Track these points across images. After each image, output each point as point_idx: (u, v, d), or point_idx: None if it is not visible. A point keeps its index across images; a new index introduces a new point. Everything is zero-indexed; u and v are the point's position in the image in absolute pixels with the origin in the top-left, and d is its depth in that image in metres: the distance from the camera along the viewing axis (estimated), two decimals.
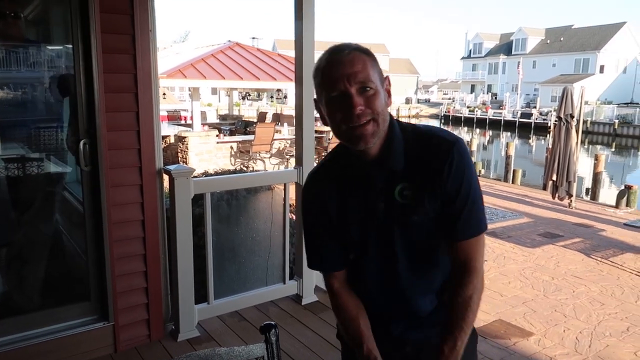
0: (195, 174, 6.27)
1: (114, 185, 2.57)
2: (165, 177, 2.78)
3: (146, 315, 2.76)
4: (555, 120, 8.54)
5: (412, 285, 1.39)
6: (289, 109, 19.41)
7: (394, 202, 1.31)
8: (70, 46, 2.54)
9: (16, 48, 3.78)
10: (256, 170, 9.19)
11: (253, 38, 15.74)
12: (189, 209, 2.77)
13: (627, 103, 40.43)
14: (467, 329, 1.32)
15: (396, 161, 1.30)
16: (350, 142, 1.27)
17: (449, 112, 46.28)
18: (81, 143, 2.52)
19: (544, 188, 8.87)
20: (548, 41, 50.83)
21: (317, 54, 3.65)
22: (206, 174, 4.07)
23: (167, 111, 16.78)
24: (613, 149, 29.45)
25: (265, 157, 10.90)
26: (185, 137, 10.41)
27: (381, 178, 1.32)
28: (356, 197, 1.34)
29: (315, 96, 1.33)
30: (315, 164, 3.23)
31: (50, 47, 3.45)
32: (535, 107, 39.87)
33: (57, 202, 3.46)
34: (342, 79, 1.21)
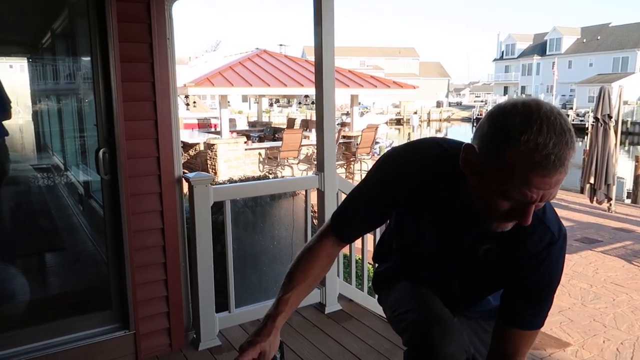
0: (221, 180, 6.29)
1: (133, 194, 2.57)
2: (185, 185, 2.77)
3: (167, 324, 2.74)
4: (593, 122, 8.23)
5: (460, 304, 1.46)
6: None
7: (473, 253, 1.27)
8: (90, 55, 2.56)
9: (43, 60, 3.89)
10: (283, 176, 9.20)
11: (280, 45, 15.84)
12: (209, 217, 2.75)
13: None
14: None
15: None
16: (486, 223, 1.13)
17: (481, 114, 45.42)
18: (101, 152, 2.53)
19: (582, 191, 8.57)
20: (584, 40, 49.39)
21: (337, 60, 3.57)
22: (230, 181, 4.06)
23: (198, 119, 17.05)
24: None
25: (293, 163, 10.90)
26: (214, 144, 10.52)
27: (473, 228, 1.22)
28: (437, 219, 1.27)
29: (475, 142, 1.10)
30: (335, 169, 3.18)
31: (78, 58, 3.52)
32: (571, 108, 38.69)
33: (80, 211, 3.52)
34: (537, 193, 0.99)
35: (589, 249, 6.13)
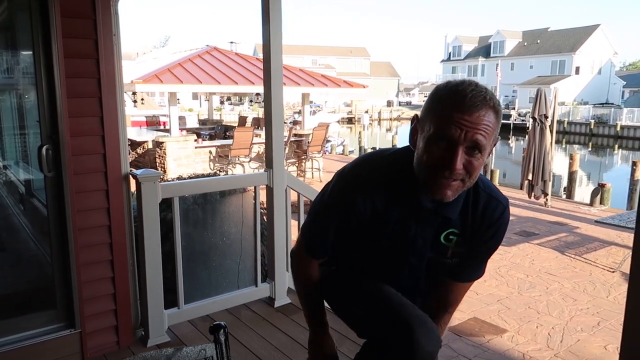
0: (170, 178, 6.21)
1: (78, 191, 2.54)
2: (133, 182, 2.76)
3: (114, 322, 2.72)
4: (531, 121, 8.69)
5: (421, 292, 1.53)
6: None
7: (437, 242, 1.37)
8: (32, 51, 2.51)
9: None
10: (234, 174, 9.15)
11: (231, 42, 15.65)
12: (157, 214, 2.75)
13: (603, 103, 41.29)
14: None
15: (453, 211, 1.32)
16: (428, 188, 1.22)
17: None
18: (44, 149, 2.48)
19: (521, 187, 9.01)
20: (525, 44, 51.66)
21: (289, 58, 3.66)
22: (180, 178, 4.04)
23: (146, 117, 16.61)
24: (590, 149, 30.02)
25: (244, 161, 10.86)
26: (163, 142, 10.33)
27: (433, 219, 1.34)
28: (400, 221, 1.35)
29: (421, 113, 1.23)
30: (284, 165, 3.25)
31: (17, 52, 3.40)
32: (514, 109, 40.42)
33: (21, 211, 3.41)
34: (460, 129, 1.11)
35: (527, 242, 6.49)
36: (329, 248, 1.46)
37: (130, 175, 2.73)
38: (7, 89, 3.77)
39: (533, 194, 8.63)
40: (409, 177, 1.25)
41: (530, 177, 8.55)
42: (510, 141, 33.22)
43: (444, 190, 1.19)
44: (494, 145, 1.23)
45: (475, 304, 4.31)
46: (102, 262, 2.65)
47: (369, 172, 1.34)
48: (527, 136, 9.74)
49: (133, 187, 2.79)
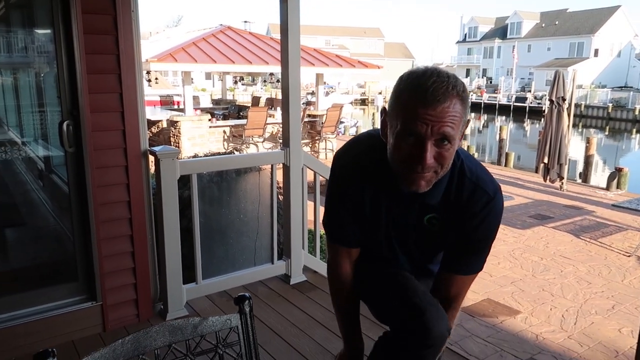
0: (185, 156, 6.25)
1: (98, 167, 2.57)
2: (152, 159, 2.78)
3: (134, 295, 2.78)
4: (548, 104, 8.56)
5: (415, 273, 1.53)
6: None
7: (420, 225, 1.37)
8: (52, 27, 2.51)
9: (3, 32, 3.75)
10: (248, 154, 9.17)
11: (245, 22, 15.56)
12: (175, 190, 2.78)
13: (621, 87, 40.45)
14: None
15: (433, 197, 1.31)
16: (403, 181, 1.23)
17: None
18: (65, 124, 2.51)
19: (536, 171, 8.93)
20: (543, 25, 50.60)
21: (303, 38, 3.60)
22: (196, 156, 4.07)
23: (160, 96, 16.66)
24: (607, 133, 29.53)
25: (258, 141, 10.88)
26: (178, 121, 10.37)
27: (414, 203, 1.35)
28: (387, 204, 1.38)
29: (387, 105, 1.25)
30: (301, 145, 3.25)
31: (36, 30, 3.42)
32: (530, 91, 39.83)
33: (40, 187, 3.46)
34: (426, 124, 1.11)
35: (541, 225, 6.45)
36: (350, 234, 1.47)
37: (149, 152, 2.75)
38: (24, 66, 3.79)
39: (549, 177, 8.54)
40: (387, 167, 1.28)
41: (546, 161, 8.46)
42: (525, 124, 32.82)
43: (418, 182, 1.20)
44: (465, 130, 1.21)
45: (489, 285, 4.32)
46: (122, 237, 2.69)
47: (353, 162, 1.40)
48: (543, 119, 9.61)
49: (152, 164, 2.82)
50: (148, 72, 14.15)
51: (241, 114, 12.53)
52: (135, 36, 2.62)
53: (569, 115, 8.41)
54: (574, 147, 14.79)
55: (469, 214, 1.32)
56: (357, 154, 1.40)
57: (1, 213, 3.27)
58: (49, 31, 2.74)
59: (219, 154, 4.41)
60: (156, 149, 2.73)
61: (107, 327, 2.69)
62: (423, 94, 1.10)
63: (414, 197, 1.31)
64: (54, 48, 2.53)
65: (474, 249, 1.39)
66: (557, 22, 49.04)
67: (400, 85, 1.17)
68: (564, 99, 8.24)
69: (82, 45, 2.43)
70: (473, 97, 42.31)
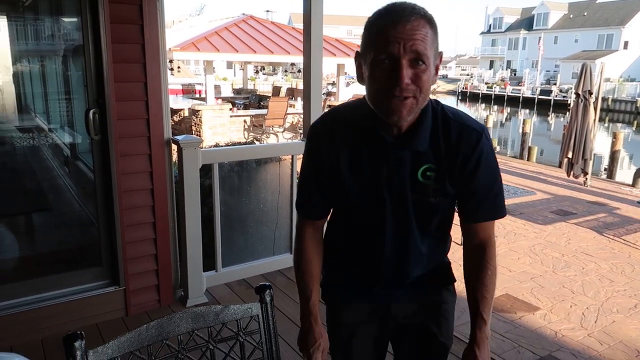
0: (207, 145, 6.31)
1: (123, 155, 2.62)
2: (174, 148, 2.82)
3: (156, 281, 2.84)
4: (574, 98, 8.39)
5: (418, 254, 1.40)
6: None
7: (414, 181, 1.29)
8: (79, 17, 2.56)
9: (24, 20, 3.82)
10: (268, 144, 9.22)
11: (267, 11, 15.56)
12: (197, 179, 2.82)
13: None
14: (494, 291, 1.39)
15: (421, 142, 1.26)
16: (383, 113, 1.19)
17: (466, 88, 45.56)
18: (91, 112, 2.56)
19: (560, 166, 8.76)
20: (571, 16, 49.38)
21: (325, 28, 3.57)
22: (217, 145, 4.10)
23: (182, 85, 16.83)
24: (634, 128, 28.80)
25: (278, 131, 10.91)
26: (199, 110, 10.46)
27: (402, 155, 1.27)
28: (371, 166, 1.29)
29: (359, 49, 1.23)
30: None
31: (63, 18, 3.48)
32: (555, 84, 39.02)
33: (66, 173, 3.54)
34: (398, 43, 1.11)
35: (563, 221, 6.35)
36: (316, 205, 1.40)
37: (172, 141, 2.79)
38: (51, 54, 3.87)
39: (572, 172, 8.38)
40: (370, 117, 1.24)
41: (570, 155, 8.29)
42: (549, 118, 32.22)
43: (399, 109, 1.15)
44: (439, 60, 1.20)
45: (508, 280, 4.28)
46: (144, 224, 2.74)
47: (331, 121, 1.34)
48: (568, 113, 9.41)
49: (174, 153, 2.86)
50: (170, 61, 14.27)
51: (262, 103, 12.58)
52: (160, 26, 2.65)
53: (595, 109, 8.21)
54: (600, 142, 14.49)
55: (463, 155, 1.27)
56: (331, 114, 1.36)
57: (29, 198, 3.36)
58: (75, 20, 2.79)
59: (239, 143, 4.44)
60: (179, 137, 2.77)
61: (129, 312, 2.75)
62: (391, 16, 1.13)
63: (400, 147, 1.25)
64: (81, 37, 2.57)
65: (488, 192, 1.33)
66: (585, 13, 47.81)
67: (369, 20, 1.19)
68: (590, 93, 8.05)
69: (109, 35, 2.47)
70: (496, 90, 41.68)
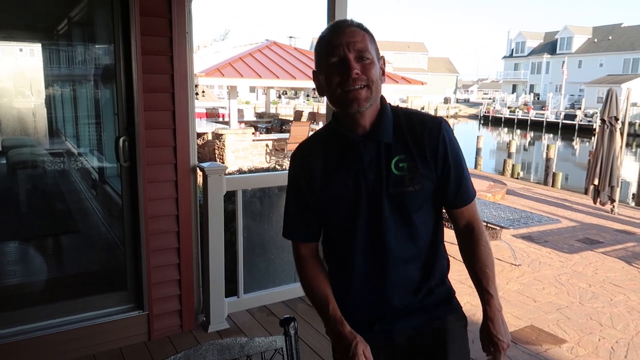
0: (230, 170, 6.41)
1: (150, 181, 2.68)
2: (199, 174, 2.88)
3: (179, 306, 2.86)
4: (599, 123, 8.27)
5: (399, 250, 1.42)
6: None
7: (390, 174, 1.38)
8: (112, 46, 2.66)
9: (58, 47, 3.99)
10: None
11: (290, 37, 15.88)
12: (221, 205, 2.86)
13: None
14: (493, 265, 1.47)
15: (386, 134, 1.38)
16: (344, 106, 1.34)
17: (488, 112, 45.28)
18: (121, 140, 2.64)
19: (586, 192, 8.60)
20: (595, 40, 48.99)
21: None
22: (240, 171, 4.16)
23: (206, 109, 17.14)
24: None
25: None
26: (222, 134, 10.63)
27: (372, 151, 1.39)
28: (345, 169, 1.40)
29: (314, 66, 1.41)
30: None
31: (95, 47, 3.62)
32: (579, 109, 38.53)
33: (94, 196, 3.63)
34: (342, 45, 1.31)
35: (590, 250, 6.20)
36: (302, 225, 1.47)
37: (198, 168, 2.85)
38: (83, 80, 4.01)
39: (599, 199, 8.21)
40: (335, 127, 1.41)
41: (596, 182, 8.14)
42: (574, 142, 31.71)
43: (357, 98, 1.30)
44: (383, 63, 1.39)
45: (533, 311, 4.18)
46: (169, 249, 2.78)
47: (303, 146, 1.49)
48: (594, 138, 9.28)
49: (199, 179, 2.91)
50: (196, 86, 14.61)
51: (284, 127, 12.72)
52: (188, 56, 2.74)
53: (622, 135, 8.08)
54: (627, 168, 14.18)
55: (431, 143, 1.38)
56: (303, 141, 1.51)
57: (58, 220, 3.46)
58: (107, 48, 2.90)
59: (262, 169, 4.50)
60: (204, 165, 2.83)
61: (152, 336, 2.78)
62: (332, 29, 1.35)
63: (369, 142, 1.37)
64: (114, 67, 2.67)
65: (458, 177, 1.43)
66: (610, 37, 47.39)
67: (317, 42, 1.39)
68: (616, 119, 7.94)
69: (140, 65, 2.56)
70: (519, 114, 41.32)
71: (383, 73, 1.38)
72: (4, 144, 3.65)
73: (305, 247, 1.49)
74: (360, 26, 1.37)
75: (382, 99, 1.42)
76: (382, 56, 1.40)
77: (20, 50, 3.88)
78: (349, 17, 1.49)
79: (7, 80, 3.75)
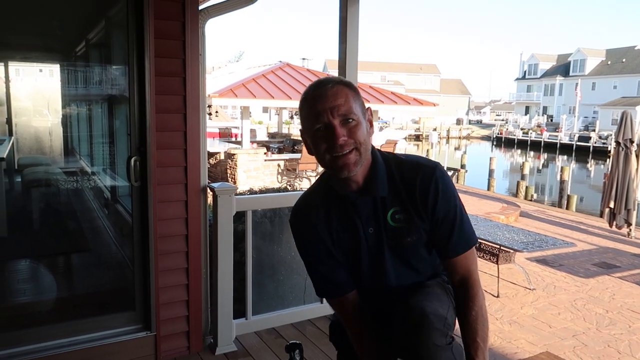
0: (241, 190, 6.45)
1: (160, 201, 2.69)
2: (209, 194, 2.88)
3: (186, 328, 2.84)
4: (614, 146, 8.19)
5: (399, 288, 1.47)
6: None
7: (387, 227, 1.40)
8: (127, 67, 2.70)
9: (81, 68, 4.08)
10: (301, 189, 9.29)
11: (303, 59, 16.07)
12: (231, 226, 2.85)
13: None
14: (487, 336, 1.42)
15: (380, 188, 1.38)
16: (335, 171, 1.34)
17: (501, 133, 45.11)
18: (132, 160, 2.66)
19: (601, 215, 8.48)
20: (609, 62, 48.84)
21: (361, 74, 3.67)
22: (251, 191, 4.17)
23: (219, 128, 17.32)
24: None
25: (311, 176, 11.01)
26: (235, 154, 10.70)
27: (368, 205, 1.39)
28: (344, 225, 1.41)
29: (301, 128, 1.41)
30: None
31: (111, 68, 3.69)
32: (594, 130, 38.21)
33: (105, 215, 3.66)
34: (325, 112, 1.29)
35: (606, 274, 6.07)
36: (332, 281, 1.47)
37: (208, 188, 2.85)
38: (98, 100, 4.08)
39: (615, 223, 8.08)
40: (330, 187, 1.41)
41: (612, 205, 8.02)
42: (589, 165, 31.37)
43: (347, 164, 1.31)
44: (370, 115, 1.37)
45: (548, 337, 4.08)
46: (178, 270, 2.77)
47: (300, 204, 1.50)
48: (608, 161, 9.16)
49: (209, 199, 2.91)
50: (209, 106, 14.79)
51: (295, 147, 12.78)
52: (201, 78, 2.77)
53: (637, 157, 7.98)
54: None
55: (422, 194, 1.36)
56: (300, 204, 1.51)
57: (70, 238, 3.48)
58: (122, 69, 2.95)
59: (274, 189, 4.50)
60: (215, 185, 2.83)
61: (158, 358, 2.75)
62: (312, 94, 1.33)
63: (365, 198, 1.37)
64: (127, 88, 2.71)
65: (451, 226, 1.39)
66: (624, 60, 47.22)
67: (301, 101, 1.38)
68: (631, 141, 7.85)
69: (153, 86, 2.59)
70: (532, 135, 41.07)
71: (371, 125, 1.38)
72: (20, 163, 3.71)
73: (349, 302, 1.49)
74: (342, 82, 1.36)
75: (373, 149, 1.41)
76: (368, 108, 1.38)
77: (40, 70, 3.97)
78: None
79: (27, 99, 3.83)
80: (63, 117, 4.01)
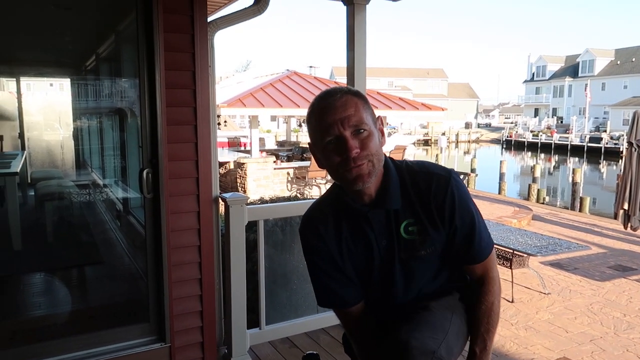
0: (251, 199, 6.45)
1: (173, 212, 2.70)
2: (221, 204, 2.89)
3: (200, 338, 2.84)
4: (626, 146, 8.10)
5: (405, 300, 1.45)
6: None
7: (400, 239, 1.36)
8: (137, 80, 2.73)
9: (91, 81, 4.13)
10: (311, 197, 9.30)
11: (310, 67, 16.13)
12: (243, 236, 2.86)
13: None
14: (493, 331, 1.41)
15: (393, 201, 1.35)
16: (348, 184, 1.31)
17: (510, 136, 44.88)
18: (144, 172, 2.67)
19: (615, 217, 8.38)
20: (618, 62, 48.46)
21: (369, 80, 3.68)
22: (262, 200, 4.18)
23: (228, 138, 17.39)
24: None
25: (321, 183, 11.01)
26: (244, 163, 10.74)
27: (381, 218, 1.36)
28: (356, 239, 1.38)
29: (310, 140, 1.37)
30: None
31: (121, 81, 3.73)
32: (605, 131, 37.87)
33: (117, 226, 3.68)
34: (335, 123, 1.25)
35: (623, 277, 5.98)
36: (335, 294, 1.45)
37: (220, 198, 2.86)
38: (109, 113, 4.13)
39: (629, 224, 7.96)
40: (342, 197, 1.37)
41: (626, 207, 7.91)
42: (601, 166, 31.07)
43: (360, 176, 1.27)
44: (381, 124, 1.33)
45: (565, 342, 4.02)
46: (191, 280, 2.78)
47: (311, 213, 1.46)
48: (621, 161, 9.07)
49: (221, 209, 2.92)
50: (218, 116, 14.88)
51: (304, 155, 12.79)
52: (210, 89, 2.79)
53: None
54: None
55: (437, 202, 1.32)
56: (310, 213, 1.47)
57: (83, 251, 3.50)
58: (133, 82, 2.98)
59: (284, 198, 4.50)
60: (226, 195, 2.84)
61: None
62: (322, 105, 1.29)
63: (378, 210, 1.34)
64: (138, 101, 2.74)
65: (469, 235, 1.36)
66: (634, 59, 46.83)
67: (308, 113, 1.34)
68: None
69: (164, 99, 2.61)
70: (542, 138, 40.80)
71: (382, 134, 1.34)
72: (32, 176, 3.76)
73: (353, 316, 1.47)
74: (350, 92, 1.32)
75: (385, 159, 1.37)
76: (378, 117, 1.35)
77: (51, 85, 4.03)
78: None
79: (38, 114, 3.89)
80: (74, 130, 4.06)
